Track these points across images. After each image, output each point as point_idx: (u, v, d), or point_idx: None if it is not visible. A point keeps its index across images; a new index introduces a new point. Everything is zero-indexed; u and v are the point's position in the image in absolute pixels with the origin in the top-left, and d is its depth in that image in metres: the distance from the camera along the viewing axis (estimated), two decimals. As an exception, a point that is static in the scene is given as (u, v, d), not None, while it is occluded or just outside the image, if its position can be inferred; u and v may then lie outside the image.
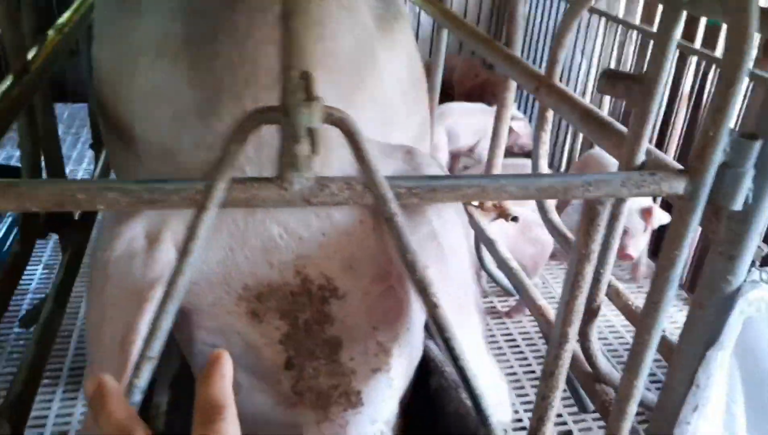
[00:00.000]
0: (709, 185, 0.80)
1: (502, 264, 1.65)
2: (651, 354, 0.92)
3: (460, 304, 0.89)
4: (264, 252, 0.83)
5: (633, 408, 0.94)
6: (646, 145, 0.90)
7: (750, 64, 0.84)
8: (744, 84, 0.83)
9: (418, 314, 0.97)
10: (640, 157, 0.90)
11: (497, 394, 0.95)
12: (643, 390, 0.95)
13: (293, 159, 0.64)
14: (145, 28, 0.91)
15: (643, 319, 0.91)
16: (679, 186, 0.80)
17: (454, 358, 0.69)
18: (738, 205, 0.82)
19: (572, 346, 0.92)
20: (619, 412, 0.95)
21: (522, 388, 2.43)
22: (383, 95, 0.95)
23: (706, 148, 0.78)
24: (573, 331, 0.90)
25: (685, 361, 0.96)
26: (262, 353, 0.87)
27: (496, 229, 1.77)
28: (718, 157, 0.79)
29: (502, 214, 1.81)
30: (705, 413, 0.97)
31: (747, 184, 0.81)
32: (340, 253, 0.85)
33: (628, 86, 0.87)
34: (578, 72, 3.09)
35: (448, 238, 0.87)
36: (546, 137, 1.42)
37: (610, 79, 0.87)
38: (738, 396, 1.01)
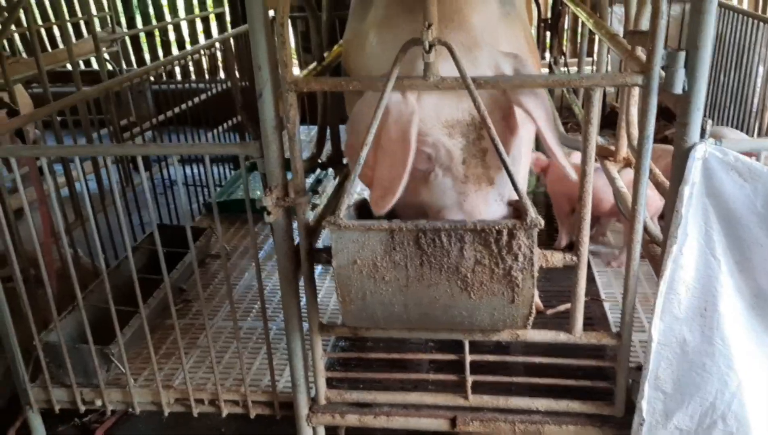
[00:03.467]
0: (657, 79, 1.46)
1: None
2: (644, 193, 1.56)
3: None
4: (457, 102, 1.62)
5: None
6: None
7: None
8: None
9: (525, 152, 1.81)
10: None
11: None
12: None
13: (427, 66, 1.49)
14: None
15: (636, 169, 1.56)
16: (638, 79, 1.47)
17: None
18: (678, 90, 1.45)
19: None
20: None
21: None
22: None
23: (649, 58, 1.45)
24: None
25: (670, 197, 1.57)
26: (452, 154, 1.63)
27: (624, 176, 2.38)
28: (658, 62, 1.44)
29: (628, 164, 2.41)
30: (686, 230, 1.56)
31: (681, 77, 1.44)
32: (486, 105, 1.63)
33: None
34: (755, 77, 3.44)
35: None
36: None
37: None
38: (714, 224, 1.56)
